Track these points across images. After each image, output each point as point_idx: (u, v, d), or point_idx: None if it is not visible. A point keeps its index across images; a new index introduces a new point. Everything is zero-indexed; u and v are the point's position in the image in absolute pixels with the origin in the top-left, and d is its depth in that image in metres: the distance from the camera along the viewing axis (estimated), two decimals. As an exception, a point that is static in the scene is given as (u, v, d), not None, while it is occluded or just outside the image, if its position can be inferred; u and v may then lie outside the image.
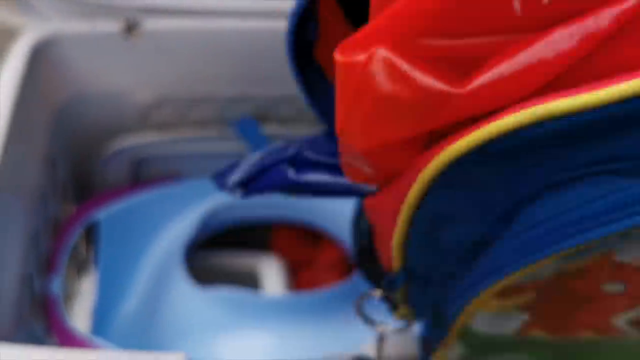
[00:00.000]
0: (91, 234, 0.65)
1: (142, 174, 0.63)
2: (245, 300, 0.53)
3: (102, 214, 0.59)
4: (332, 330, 0.55)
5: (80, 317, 0.58)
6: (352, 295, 0.57)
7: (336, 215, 0.63)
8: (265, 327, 0.54)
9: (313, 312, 0.54)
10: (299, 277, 0.67)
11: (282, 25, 0.56)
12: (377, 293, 0.37)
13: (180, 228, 0.64)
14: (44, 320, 0.50)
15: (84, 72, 0.55)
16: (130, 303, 0.59)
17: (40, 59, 0.52)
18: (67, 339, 0.48)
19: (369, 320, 0.40)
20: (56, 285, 0.52)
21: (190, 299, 0.55)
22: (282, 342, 0.53)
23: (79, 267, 0.63)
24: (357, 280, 0.57)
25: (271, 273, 0.63)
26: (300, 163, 0.37)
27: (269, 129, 0.62)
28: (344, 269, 0.66)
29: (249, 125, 0.61)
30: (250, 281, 0.66)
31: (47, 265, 0.53)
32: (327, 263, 0.65)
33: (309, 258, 0.68)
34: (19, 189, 0.47)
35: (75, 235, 0.57)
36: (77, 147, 0.59)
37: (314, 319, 0.54)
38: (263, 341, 0.53)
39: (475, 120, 0.23)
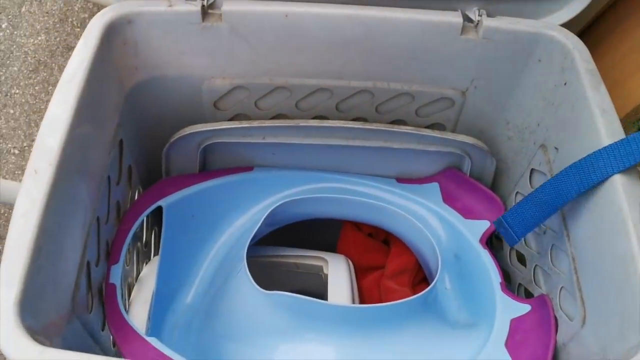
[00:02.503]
0: (155, 221, 0.63)
1: (210, 162, 0.60)
2: (310, 308, 0.49)
3: (167, 200, 0.57)
4: (399, 346, 0.51)
5: (139, 304, 0.57)
6: (421, 311, 0.53)
7: (408, 220, 0.58)
8: (330, 336, 0.50)
9: (380, 325, 0.50)
10: (363, 280, 0.64)
11: (366, 14, 0.52)
12: None
13: (246, 221, 0.61)
14: (101, 310, 0.49)
15: (158, 53, 0.53)
16: (191, 294, 0.57)
17: (114, 37, 0.50)
18: (123, 332, 0.46)
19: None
20: (115, 274, 0.50)
21: (253, 301, 0.51)
22: (345, 354, 0.50)
23: (141, 254, 0.61)
24: (427, 296, 0.52)
25: (339, 275, 0.60)
26: None
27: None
28: (411, 278, 0.61)
29: None
30: (316, 280, 0.62)
31: (107, 252, 0.51)
32: (394, 270, 0.61)
33: (375, 262, 0.64)
34: (83, 171, 0.45)
35: (139, 222, 0.55)
36: (145, 131, 0.57)
37: (381, 332, 0.50)
38: (326, 352, 0.50)
39: None
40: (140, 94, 0.55)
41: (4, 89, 1.18)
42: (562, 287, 0.49)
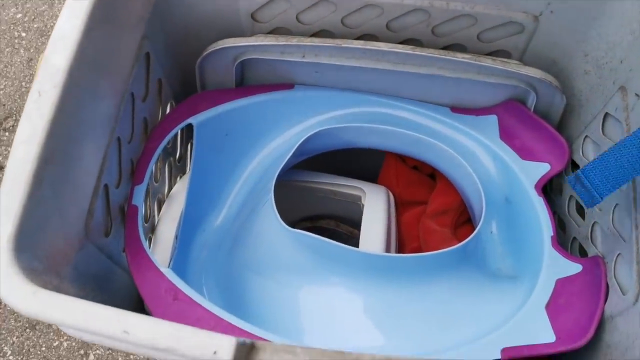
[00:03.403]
0: (190, 134, 0.60)
1: (248, 76, 0.56)
2: (334, 252, 0.46)
3: (198, 118, 0.53)
4: (432, 297, 0.47)
5: (169, 221, 0.55)
6: (459, 261, 0.49)
7: (455, 159, 0.53)
8: (356, 282, 0.47)
9: (413, 275, 0.47)
10: (403, 215, 0.59)
11: None
12: None
13: (283, 143, 0.57)
14: (122, 232, 0.47)
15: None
16: (221, 216, 0.55)
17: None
18: (137, 261, 0.45)
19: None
20: (138, 196, 0.48)
21: (277, 236, 0.49)
22: (372, 301, 0.47)
23: (174, 169, 0.59)
24: (468, 245, 0.48)
25: (375, 209, 0.56)
26: None
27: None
28: (454, 218, 0.57)
29: None
30: (354, 208, 0.59)
31: (132, 172, 0.49)
32: (436, 210, 0.56)
33: (419, 197, 0.59)
34: (97, 91, 0.42)
35: (167, 140, 0.52)
36: (177, 43, 0.53)
37: (413, 282, 0.47)
38: (351, 299, 0.47)
39: None
40: (170, 3, 0.50)
41: (63, -27, 1.15)
42: (619, 253, 0.43)
